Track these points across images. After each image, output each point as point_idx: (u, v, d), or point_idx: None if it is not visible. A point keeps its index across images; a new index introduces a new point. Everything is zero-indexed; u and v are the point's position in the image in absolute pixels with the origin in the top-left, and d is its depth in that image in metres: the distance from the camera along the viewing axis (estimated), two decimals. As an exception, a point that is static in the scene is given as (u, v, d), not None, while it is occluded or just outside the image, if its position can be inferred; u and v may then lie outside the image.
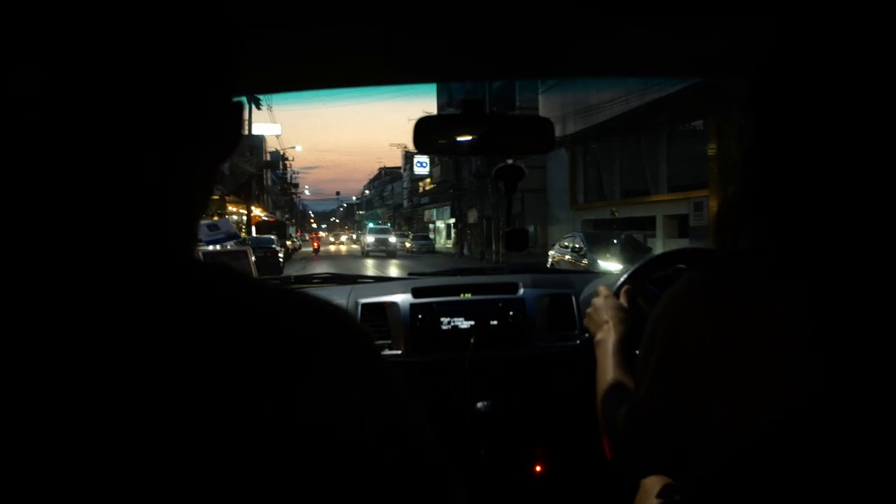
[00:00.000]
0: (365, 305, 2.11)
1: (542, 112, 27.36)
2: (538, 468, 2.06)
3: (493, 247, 27.64)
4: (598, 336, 1.37)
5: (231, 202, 36.38)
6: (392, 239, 38.85)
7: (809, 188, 0.69)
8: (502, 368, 2.04)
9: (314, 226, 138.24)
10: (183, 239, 0.54)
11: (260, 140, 59.39)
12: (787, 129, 0.71)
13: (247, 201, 35.86)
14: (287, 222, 41.48)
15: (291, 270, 21.98)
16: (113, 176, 0.48)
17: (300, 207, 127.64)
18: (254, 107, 37.17)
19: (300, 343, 0.50)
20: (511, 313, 2.09)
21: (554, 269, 3.09)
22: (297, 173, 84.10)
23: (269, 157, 64.61)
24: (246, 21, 0.92)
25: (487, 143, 1.39)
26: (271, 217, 46.49)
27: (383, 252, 36.26)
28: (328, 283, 2.61)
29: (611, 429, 1.01)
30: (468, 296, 2.15)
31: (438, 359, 2.02)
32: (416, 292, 2.15)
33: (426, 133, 1.39)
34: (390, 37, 1.05)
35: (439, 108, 45.43)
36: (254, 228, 35.26)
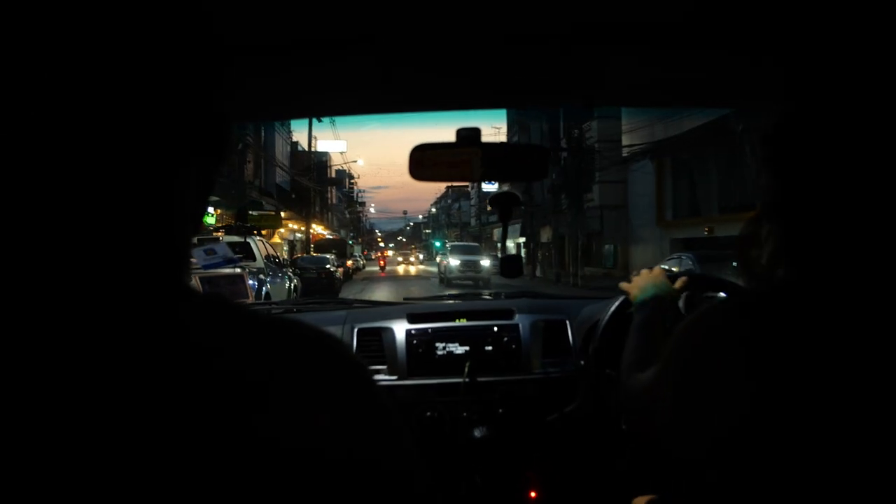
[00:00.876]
0: (361, 330, 2.13)
1: (624, 118, 24.91)
2: (533, 494, 2.03)
3: (572, 269, 24.89)
4: (639, 298, 1.48)
5: (290, 219, 34.82)
6: (485, 262, 27.52)
7: (826, 225, 0.73)
8: (497, 393, 2.03)
9: (381, 244, 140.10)
10: (173, 259, 0.53)
11: (325, 157, 58.56)
12: (806, 170, 0.74)
13: (306, 218, 34.11)
14: (348, 240, 38.89)
15: (349, 293, 20.16)
16: (107, 186, 0.47)
17: (367, 226, 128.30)
18: (315, 121, 35.73)
19: (275, 372, 0.49)
20: (505, 339, 2.11)
21: (550, 294, 2.97)
22: (364, 192, 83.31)
23: (334, 175, 63.68)
24: (247, 48, 0.93)
25: (483, 171, 1.39)
26: (335, 235, 44.87)
27: (470, 280, 26.75)
28: (325, 307, 2.62)
29: (629, 392, 1.09)
30: (463, 321, 2.15)
31: (433, 384, 2.02)
32: (412, 318, 2.16)
33: (422, 161, 1.38)
34: (388, 66, 1.07)
35: (509, 127, 43.73)
36: (312, 246, 33.49)
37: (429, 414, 1.99)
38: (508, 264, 1.70)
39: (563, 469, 2.03)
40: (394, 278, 35.61)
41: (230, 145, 0.58)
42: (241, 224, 17.85)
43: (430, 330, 2.11)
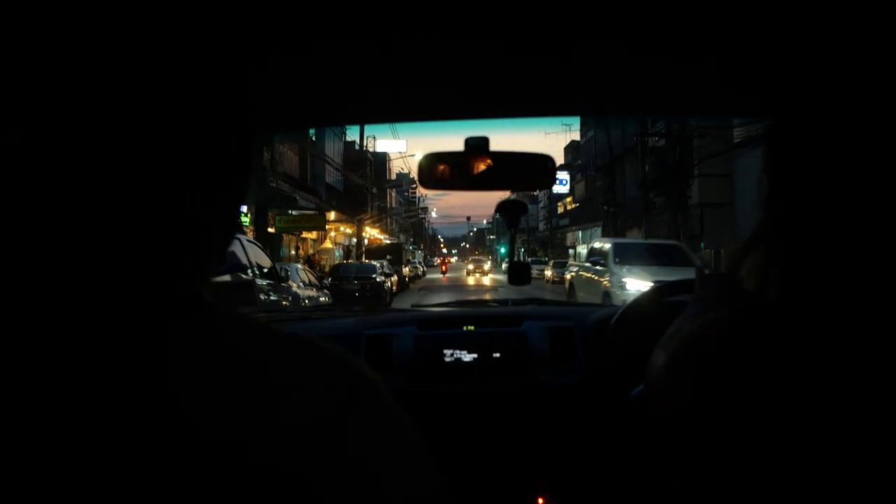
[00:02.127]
0: (369, 338, 2.10)
1: (734, 98, 20.47)
2: (541, 501, 1.99)
3: (672, 278, 20.40)
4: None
5: (341, 221, 31.34)
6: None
7: (830, 243, 0.71)
8: (504, 401, 2.02)
9: (444, 251, 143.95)
10: (186, 273, 0.54)
11: (384, 158, 55.39)
12: (806, 173, 0.73)
13: (359, 222, 30.44)
14: (406, 245, 34.28)
15: (403, 304, 16.40)
16: (126, 196, 0.48)
17: (430, 232, 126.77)
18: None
19: (278, 392, 0.50)
20: (513, 346, 2.09)
21: (558, 301, 3.10)
22: (425, 197, 79.93)
23: (393, 177, 60.53)
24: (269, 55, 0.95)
25: (490, 180, 1.44)
26: (393, 239, 41.18)
27: None
28: (333, 315, 2.64)
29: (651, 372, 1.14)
30: (471, 328, 2.15)
31: (442, 391, 2.02)
32: (421, 325, 2.16)
33: (430, 169, 1.43)
34: (396, 75, 1.10)
35: (583, 122, 39.99)
36: (363, 252, 29.81)
37: (437, 421, 1.86)
38: (516, 271, 1.72)
39: (572, 476, 1.95)
40: (457, 287, 30.66)
41: (252, 158, 0.58)
42: (262, 224, 14.45)
43: (438, 337, 2.08)
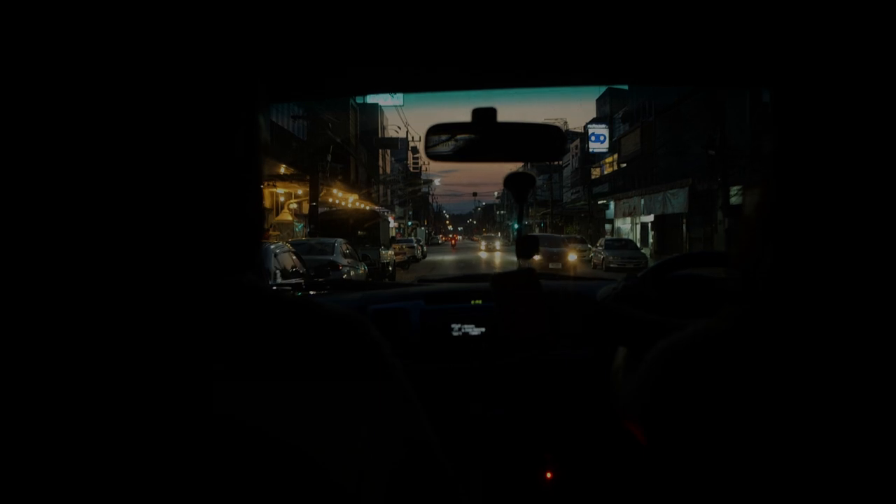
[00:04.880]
0: (376, 312, 2.09)
1: None
2: (549, 475, 2.03)
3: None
4: None
5: (293, 179, 20.87)
6: None
7: (828, 213, 0.67)
8: (513, 375, 2.04)
9: (450, 228, 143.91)
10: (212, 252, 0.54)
11: (374, 109, 45.07)
12: (812, 143, 0.69)
13: (312, 178, 19.68)
14: (383, 215, 23.27)
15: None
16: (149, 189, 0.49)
17: (435, 209, 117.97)
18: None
19: (297, 356, 0.53)
20: None
21: (567, 276, 3.24)
22: (427, 169, 69.43)
23: (394, 136, 50.12)
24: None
25: (497, 151, 1.45)
26: (366, 205, 30.50)
27: None
28: (339, 289, 2.67)
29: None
30: (479, 302, 2.14)
31: (449, 366, 2.02)
32: (428, 299, 2.15)
33: (438, 141, 1.45)
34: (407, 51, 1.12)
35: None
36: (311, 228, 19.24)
37: (445, 395, 1.94)
38: (524, 245, 1.71)
39: (580, 451, 1.98)
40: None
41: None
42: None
43: (445, 311, 2.07)
